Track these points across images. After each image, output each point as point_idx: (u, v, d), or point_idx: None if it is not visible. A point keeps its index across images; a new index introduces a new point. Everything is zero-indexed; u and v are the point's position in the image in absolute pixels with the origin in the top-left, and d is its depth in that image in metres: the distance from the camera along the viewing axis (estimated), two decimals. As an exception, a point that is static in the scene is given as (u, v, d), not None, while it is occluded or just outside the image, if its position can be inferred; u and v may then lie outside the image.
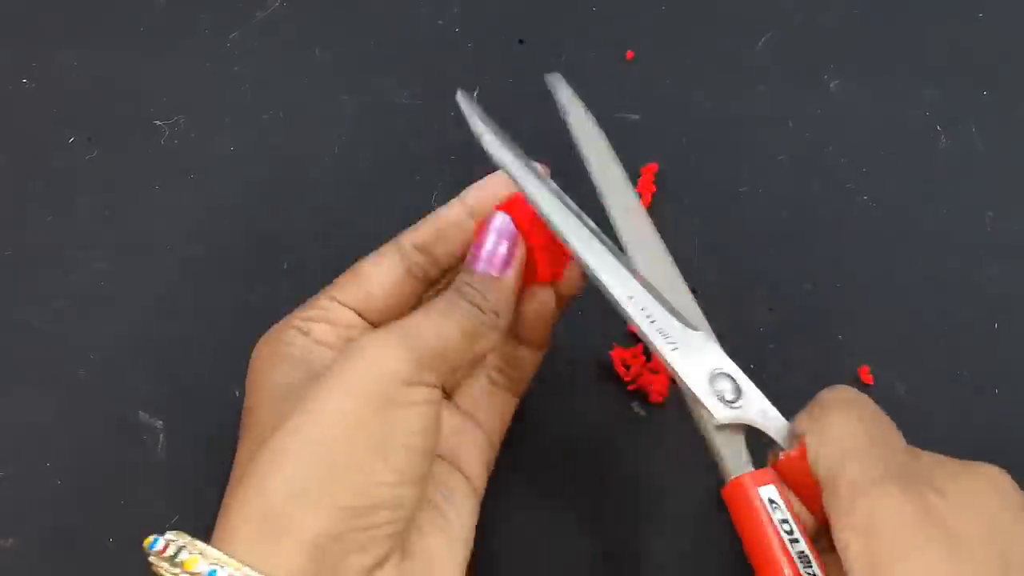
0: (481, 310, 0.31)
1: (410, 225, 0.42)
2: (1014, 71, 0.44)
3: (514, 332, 0.34)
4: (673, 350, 0.31)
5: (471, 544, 0.32)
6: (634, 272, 0.32)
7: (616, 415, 0.39)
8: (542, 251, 0.33)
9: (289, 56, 0.45)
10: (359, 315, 0.33)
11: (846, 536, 0.27)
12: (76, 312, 0.40)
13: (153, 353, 0.40)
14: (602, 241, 0.32)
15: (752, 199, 0.42)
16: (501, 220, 0.32)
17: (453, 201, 0.34)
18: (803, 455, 0.29)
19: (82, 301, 0.41)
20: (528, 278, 0.33)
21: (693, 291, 0.40)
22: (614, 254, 0.32)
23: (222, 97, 0.44)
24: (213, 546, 0.27)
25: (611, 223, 0.33)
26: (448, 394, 0.35)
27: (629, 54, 0.44)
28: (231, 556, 0.27)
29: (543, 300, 0.33)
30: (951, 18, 0.45)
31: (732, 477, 0.30)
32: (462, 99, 0.32)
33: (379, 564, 0.28)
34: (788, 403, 0.38)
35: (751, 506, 0.29)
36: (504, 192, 0.33)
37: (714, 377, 0.31)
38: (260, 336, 0.34)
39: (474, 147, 0.42)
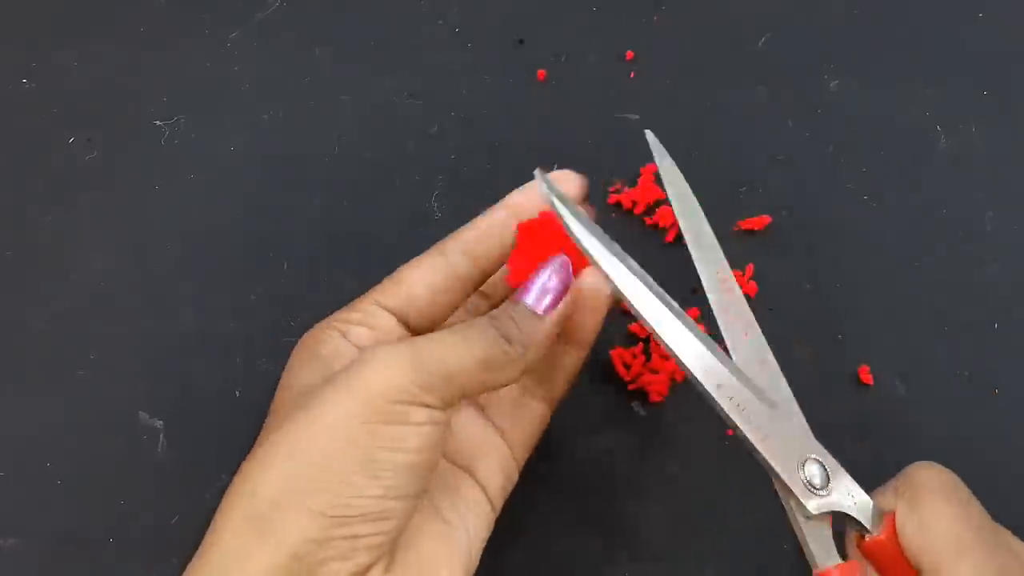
0: (509, 341, 0.30)
1: (410, 225, 0.42)
2: (1014, 71, 0.44)
3: (562, 329, 0.33)
4: (763, 439, 0.30)
5: (476, 555, 0.31)
6: (722, 356, 0.31)
7: (616, 415, 0.39)
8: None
9: (289, 56, 0.45)
10: (400, 320, 0.33)
11: None
12: (76, 312, 0.40)
13: (153, 353, 0.40)
14: (690, 328, 0.31)
15: (752, 199, 0.42)
16: (560, 261, 0.32)
17: (495, 206, 0.34)
18: (891, 537, 0.29)
19: (82, 301, 0.41)
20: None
21: (693, 291, 0.40)
22: (701, 340, 0.31)
23: (222, 97, 0.44)
24: (203, 544, 0.28)
25: (705, 292, 0.33)
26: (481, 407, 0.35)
27: (629, 54, 0.44)
28: (214, 555, 0.27)
29: (599, 288, 0.32)
30: (951, 18, 0.45)
31: (820, 570, 0.30)
32: (540, 177, 0.32)
33: (360, 572, 0.28)
34: (788, 403, 0.38)
35: None
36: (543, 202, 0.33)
37: (803, 463, 0.31)
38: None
39: (474, 147, 0.42)
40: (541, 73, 0.44)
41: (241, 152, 0.43)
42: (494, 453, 0.33)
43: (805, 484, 0.30)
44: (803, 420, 0.32)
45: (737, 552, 0.37)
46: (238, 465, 0.29)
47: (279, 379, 0.32)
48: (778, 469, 0.30)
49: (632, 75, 0.44)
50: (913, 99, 0.43)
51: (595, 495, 0.38)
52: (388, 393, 0.28)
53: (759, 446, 0.30)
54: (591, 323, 0.33)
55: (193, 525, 0.38)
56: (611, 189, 0.42)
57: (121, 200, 0.42)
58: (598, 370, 0.39)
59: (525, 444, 0.34)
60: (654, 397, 0.39)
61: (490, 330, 0.30)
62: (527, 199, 0.33)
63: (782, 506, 0.31)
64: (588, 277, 0.32)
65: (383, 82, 0.44)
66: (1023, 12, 0.45)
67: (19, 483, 0.38)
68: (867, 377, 0.39)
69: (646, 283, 0.31)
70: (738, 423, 0.30)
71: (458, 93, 0.44)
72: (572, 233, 0.31)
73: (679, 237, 0.41)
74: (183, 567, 0.28)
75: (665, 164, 0.35)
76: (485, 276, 0.34)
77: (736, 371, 0.31)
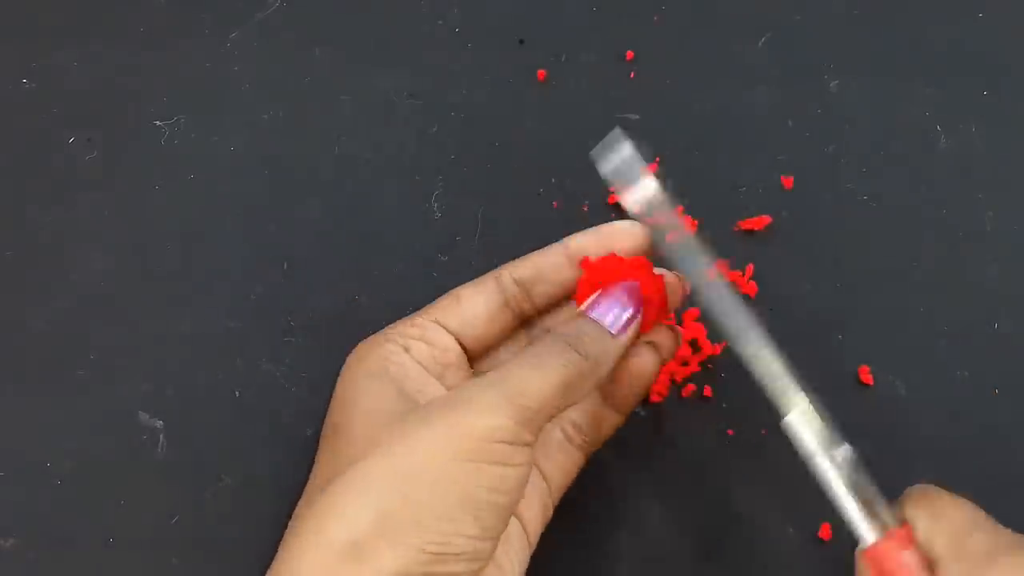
0: (584, 357, 0.30)
1: (410, 225, 0.42)
2: (1014, 71, 0.44)
3: (604, 391, 0.34)
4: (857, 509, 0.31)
5: None
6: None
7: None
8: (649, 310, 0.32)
9: (289, 56, 0.45)
10: (458, 339, 0.33)
11: None
12: (76, 312, 0.40)
13: (153, 353, 0.40)
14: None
15: (752, 199, 0.42)
16: (632, 285, 0.32)
17: (554, 245, 0.34)
18: (902, 543, 0.30)
19: (82, 301, 0.41)
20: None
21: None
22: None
23: (222, 97, 0.44)
24: (282, 564, 0.28)
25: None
26: None
27: (629, 54, 0.44)
28: None
29: (648, 361, 0.33)
30: (951, 18, 0.45)
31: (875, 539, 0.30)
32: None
33: None
34: (788, 403, 0.38)
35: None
36: (611, 245, 0.33)
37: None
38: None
39: (474, 147, 0.42)
40: (541, 73, 0.44)
41: (241, 152, 0.43)
42: (538, 498, 0.33)
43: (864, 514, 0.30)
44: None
45: (737, 552, 0.37)
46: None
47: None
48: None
49: (632, 75, 0.44)
50: (913, 99, 0.43)
51: (595, 494, 0.38)
52: (492, 435, 0.28)
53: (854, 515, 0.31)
54: (637, 390, 0.33)
55: (193, 525, 0.38)
56: (611, 189, 0.42)
57: (121, 200, 0.42)
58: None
59: (563, 487, 0.34)
60: (654, 397, 0.39)
61: (565, 349, 0.30)
62: (586, 246, 0.33)
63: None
64: (646, 355, 0.32)
65: (383, 82, 0.44)
66: (1023, 12, 0.45)
67: (19, 483, 0.38)
68: (867, 377, 0.39)
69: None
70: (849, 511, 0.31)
71: (458, 93, 0.44)
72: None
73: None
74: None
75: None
76: (536, 311, 0.34)
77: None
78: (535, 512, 0.33)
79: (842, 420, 0.38)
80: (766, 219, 0.41)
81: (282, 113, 0.44)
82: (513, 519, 0.32)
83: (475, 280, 0.34)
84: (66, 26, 0.45)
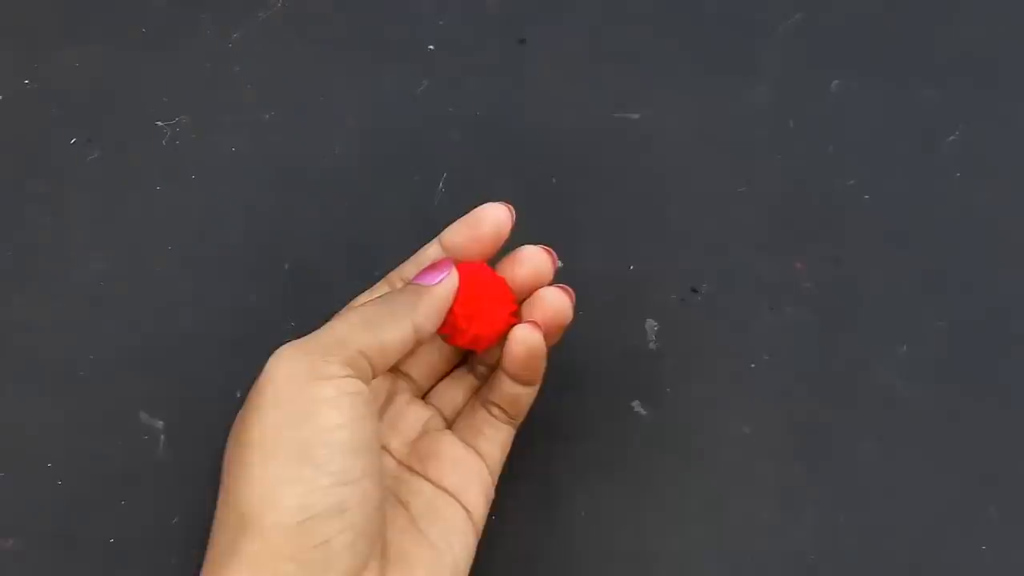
0: (393, 304, 0.31)
1: (410, 225, 0.42)
2: (1014, 71, 0.44)
3: (508, 372, 0.34)
4: None
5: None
6: None
7: (616, 415, 0.39)
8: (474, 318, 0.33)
9: (289, 56, 0.45)
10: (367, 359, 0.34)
11: None
12: (76, 312, 0.40)
13: (153, 353, 0.40)
14: None
15: (753, 199, 0.42)
16: (448, 268, 0.33)
17: (433, 241, 0.35)
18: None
19: (82, 301, 0.41)
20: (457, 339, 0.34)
21: (694, 291, 0.40)
22: None
23: (222, 97, 0.44)
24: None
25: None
26: (449, 423, 0.36)
27: (629, 54, 0.44)
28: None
29: (527, 342, 0.33)
30: (952, 18, 0.45)
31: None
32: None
33: None
34: (789, 404, 0.38)
35: None
36: (480, 232, 0.34)
37: None
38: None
39: (474, 147, 0.42)
40: (541, 73, 0.44)
41: (241, 152, 0.43)
42: (476, 473, 0.34)
43: None
44: None
45: (737, 551, 0.37)
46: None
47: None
48: None
49: (632, 75, 0.44)
50: (913, 99, 0.43)
51: (595, 494, 0.38)
52: (293, 379, 0.29)
53: None
54: (528, 364, 0.34)
55: (193, 525, 0.38)
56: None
57: (122, 200, 0.42)
58: (598, 369, 0.39)
59: (499, 462, 0.35)
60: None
61: (370, 304, 0.32)
62: (460, 238, 0.35)
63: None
64: (519, 331, 0.33)
65: (383, 82, 0.44)
66: (1023, 12, 0.45)
67: (19, 483, 0.38)
68: (867, 377, 0.39)
69: None
70: None
71: (458, 93, 0.44)
72: None
73: (679, 233, 0.41)
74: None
75: None
76: None
77: None
78: (474, 490, 0.33)
79: (842, 420, 0.38)
80: (765, 219, 0.41)
81: (282, 113, 0.44)
82: (452, 501, 0.33)
83: (371, 288, 0.36)
84: (66, 26, 0.45)
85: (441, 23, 0.45)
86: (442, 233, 0.35)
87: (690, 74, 0.44)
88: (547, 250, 0.35)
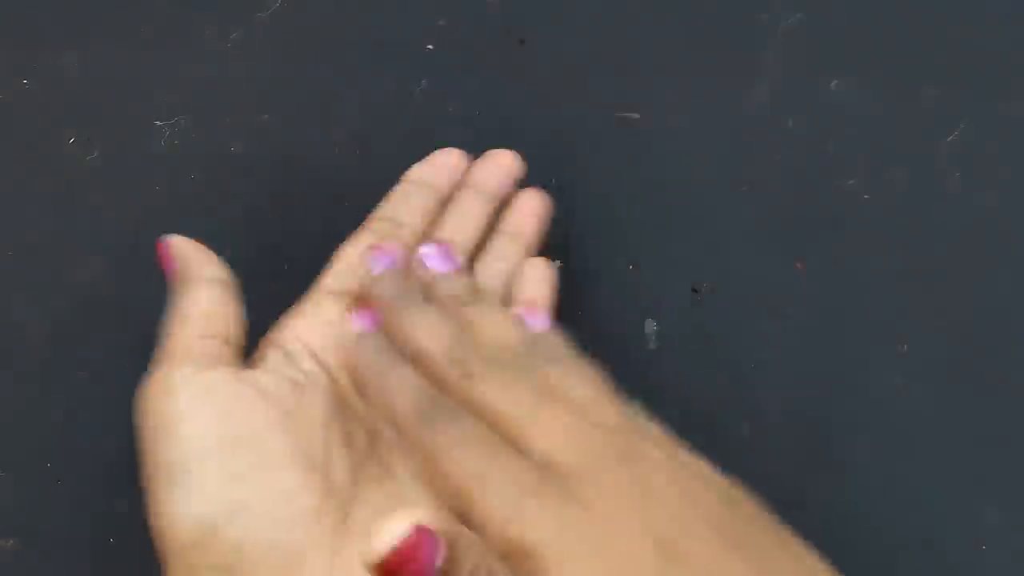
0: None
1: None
2: (1014, 71, 0.44)
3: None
4: None
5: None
6: None
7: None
8: None
9: (289, 56, 0.45)
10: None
11: None
12: (76, 312, 0.40)
13: (153, 353, 0.40)
14: None
15: (753, 199, 0.42)
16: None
17: (351, 239, 0.36)
18: None
19: (82, 301, 0.41)
20: None
21: (694, 291, 0.40)
22: None
23: (222, 97, 0.44)
24: None
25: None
26: None
27: (630, 54, 0.44)
28: None
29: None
30: (951, 18, 0.45)
31: None
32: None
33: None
34: (789, 405, 0.38)
35: None
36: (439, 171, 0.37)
37: None
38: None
39: (474, 147, 0.42)
40: (541, 73, 0.44)
41: (241, 152, 0.43)
42: None
43: None
44: None
45: (737, 552, 0.37)
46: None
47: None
48: None
49: (632, 75, 0.44)
50: (913, 99, 0.43)
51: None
52: (151, 403, 0.30)
53: None
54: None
55: (193, 525, 0.38)
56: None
57: (121, 200, 0.42)
58: (598, 369, 0.39)
59: None
60: None
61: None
62: (424, 170, 0.38)
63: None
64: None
65: (383, 82, 0.44)
66: (1023, 12, 0.45)
67: (19, 483, 0.38)
68: (867, 377, 0.39)
69: None
70: None
71: (458, 93, 0.44)
72: None
73: (679, 233, 0.41)
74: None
75: None
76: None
77: None
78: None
79: (842, 419, 0.38)
80: (765, 219, 0.41)
81: (282, 113, 0.44)
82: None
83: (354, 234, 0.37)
84: (66, 26, 0.45)
85: (441, 23, 0.45)
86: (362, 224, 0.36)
87: (690, 74, 0.44)
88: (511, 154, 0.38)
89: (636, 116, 0.43)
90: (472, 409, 0.28)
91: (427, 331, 0.31)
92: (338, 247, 0.37)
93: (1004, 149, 0.42)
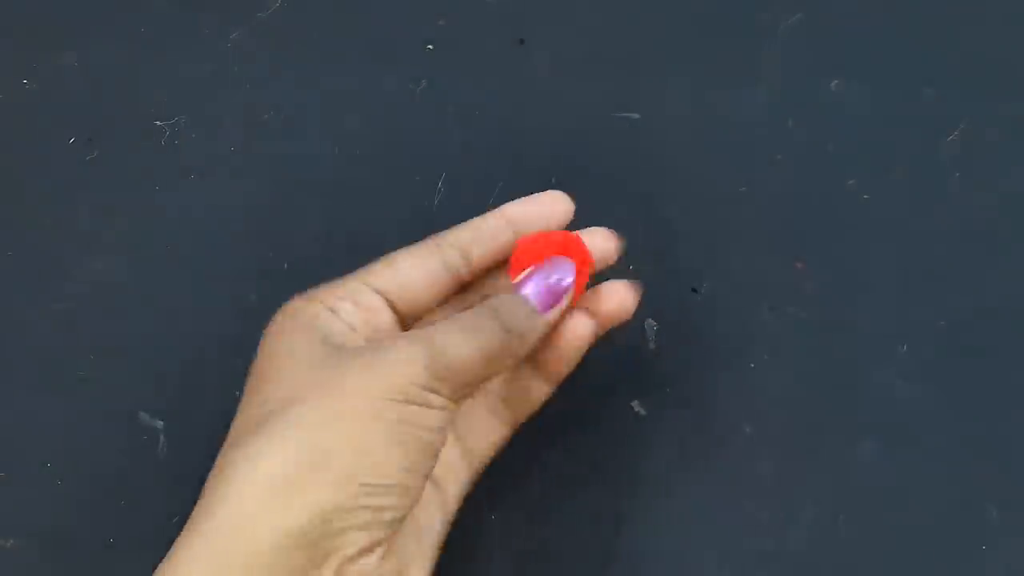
0: (508, 331, 0.30)
1: (410, 225, 0.42)
2: (1014, 71, 0.44)
3: (536, 360, 0.34)
4: None
5: (435, 561, 0.32)
6: None
7: (616, 415, 0.39)
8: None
9: (289, 56, 0.45)
10: (388, 303, 0.33)
11: None
12: (76, 312, 0.40)
13: (153, 353, 0.40)
14: None
15: (752, 199, 0.42)
16: (568, 264, 0.32)
17: (493, 211, 0.34)
18: None
19: (82, 301, 0.41)
20: None
21: (694, 291, 0.40)
22: None
23: (222, 97, 0.44)
24: (213, 498, 0.28)
25: None
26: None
27: (629, 54, 0.44)
28: (225, 515, 0.27)
29: (583, 333, 0.33)
30: (951, 18, 0.45)
31: None
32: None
33: (370, 549, 0.28)
34: (789, 404, 0.38)
35: None
36: (549, 215, 0.34)
37: None
38: (256, 336, 0.34)
39: (474, 147, 0.42)
40: (541, 73, 0.44)
41: (241, 152, 0.43)
42: (457, 467, 0.34)
43: None
44: None
45: (737, 551, 0.37)
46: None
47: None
48: None
49: (632, 75, 0.44)
50: (913, 99, 0.43)
51: (594, 494, 0.38)
52: (410, 379, 0.29)
53: None
54: (569, 358, 0.33)
55: (193, 525, 0.38)
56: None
57: (122, 200, 0.42)
58: (598, 369, 0.39)
59: (485, 462, 0.34)
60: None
61: (491, 320, 0.31)
62: (524, 212, 0.34)
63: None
64: (580, 325, 0.33)
65: (383, 82, 0.44)
66: (1023, 12, 0.45)
67: (19, 483, 0.38)
68: (867, 376, 0.39)
69: None
70: None
71: (459, 93, 0.44)
72: None
73: (680, 233, 0.41)
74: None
75: None
76: (474, 276, 0.34)
77: None
78: (452, 481, 0.33)
79: (842, 419, 0.38)
80: (765, 219, 0.41)
81: (282, 113, 0.44)
82: (431, 486, 0.32)
83: (416, 244, 0.34)
84: (66, 26, 0.45)
85: (441, 23, 0.45)
86: (504, 207, 0.34)
87: (690, 74, 0.44)
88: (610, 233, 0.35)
89: (636, 116, 0.43)
90: None
91: None
92: (342, 248, 0.37)
93: (1004, 149, 0.42)
